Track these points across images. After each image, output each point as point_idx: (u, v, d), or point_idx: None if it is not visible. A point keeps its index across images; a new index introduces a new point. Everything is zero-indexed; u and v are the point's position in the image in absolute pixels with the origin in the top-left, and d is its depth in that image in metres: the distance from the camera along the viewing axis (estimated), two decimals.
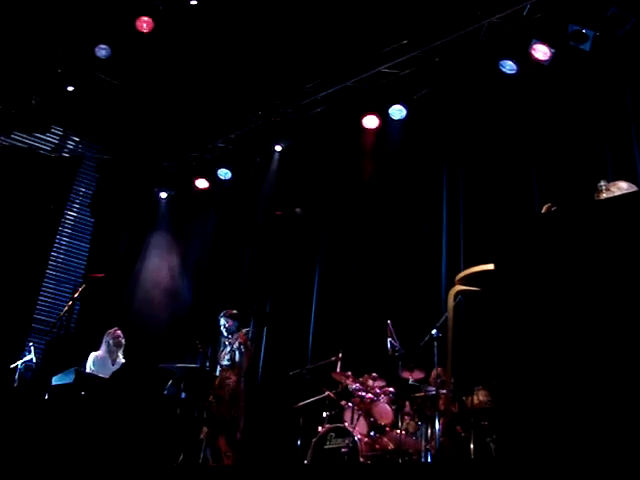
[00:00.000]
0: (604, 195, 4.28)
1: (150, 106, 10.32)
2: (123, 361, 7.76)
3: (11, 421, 5.64)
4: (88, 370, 7.40)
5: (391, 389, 7.16)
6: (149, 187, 11.65)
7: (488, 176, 8.17)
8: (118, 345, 7.73)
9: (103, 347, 7.73)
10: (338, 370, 7.46)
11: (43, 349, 9.86)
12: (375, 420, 6.95)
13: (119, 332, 7.79)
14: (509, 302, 2.61)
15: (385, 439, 6.75)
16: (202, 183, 11.09)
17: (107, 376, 7.06)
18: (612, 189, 4.66)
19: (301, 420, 7.38)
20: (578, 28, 7.30)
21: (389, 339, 7.04)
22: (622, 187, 4.69)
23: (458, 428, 6.28)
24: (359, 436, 6.63)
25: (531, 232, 2.67)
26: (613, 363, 2.23)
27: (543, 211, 4.77)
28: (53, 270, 11.03)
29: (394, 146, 9.29)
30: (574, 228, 2.50)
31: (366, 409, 7.06)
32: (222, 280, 10.62)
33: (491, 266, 4.48)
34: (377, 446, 6.70)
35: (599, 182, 4.17)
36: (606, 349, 2.25)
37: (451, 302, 4.74)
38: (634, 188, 4.69)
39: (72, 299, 7.50)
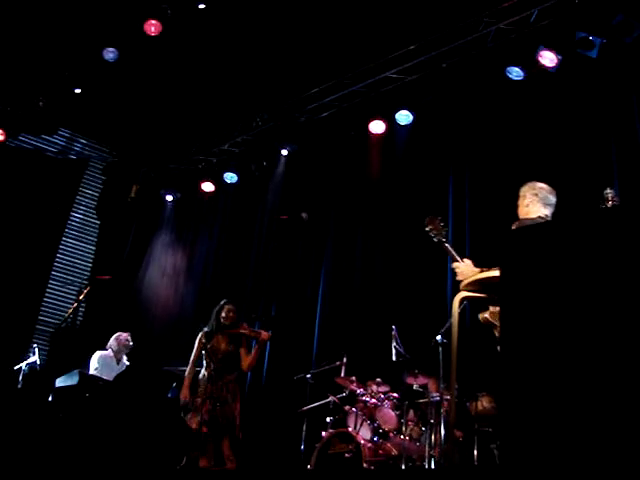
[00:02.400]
0: (611, 203, 4.28)
1: (157, 109, 10.35)
2: (127, 363, 7.79)
3: (15, 423, 5.64)
4: (92, 368, 7.43)
5: (395, 394, 7.16)
6: (155, 190, 11.67)
7: (494, 182, 8.16)
8: (126, 347, 7.78)
9: (110, 347, 7.77)
10: (342, 375, 7.45)
11: (47, 350, 9.89)
12: (379, 425, 6.94)
13: (128, 337, 7.85)
14: (514, 309, 2.61)
15: (389, 444, 6.74)
16: (208, 186, 11.10)
17: (111, 376, 7.08)
18: (530, 190, 4.84)
19: (305, 425, 7.38)
20: (585, 35, 7.29)
21: (394, 344, 7.03)
22: (538, 186, 4.85)
23: (458, 433, 6.26)
24: (363, 441, 6.62)
25: (538, 239, 2.67)
26: (619, 372, 2.23)
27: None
28: (58, 272, 11.07)
29: (400, 151, 9.29)
30: (581, 236, 2.50)
31: (370, 414, 7.05)
32: (227, 284, 10.62)
33: (497, 272, 4.47)
34: (380, 451, 6.69)
35: (605, 190, 4.19)
36: (613, 358, 2.25)
37: (456, 308, 4.73)
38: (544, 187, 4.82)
39: (77, 301, 7.53)
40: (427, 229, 5.00)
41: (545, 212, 4.76)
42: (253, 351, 7.09)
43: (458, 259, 4.77)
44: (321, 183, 10.05)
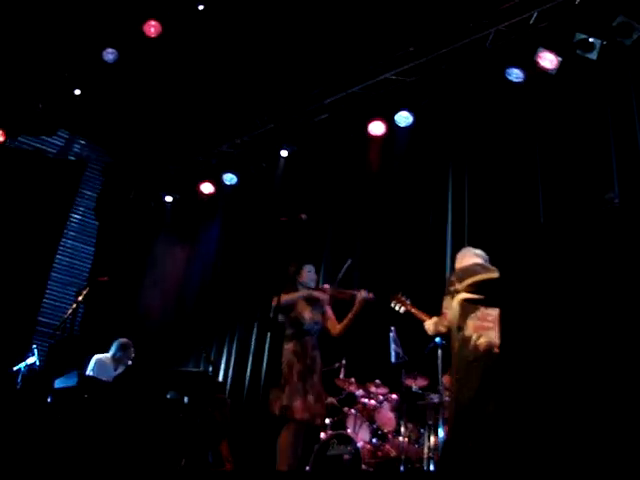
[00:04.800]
0: (611, 206, 4.30)
1: (156, 110, 10.35)
2: (129, 362, 7.78)
3: (14, 424, 5.63)
4: (88, 371, 7.43)
5: (394, 396, 7.15)
6: (154, 191, 11.67)
7: (494, 184, 8.16)
8: (127, 355, 7.80)
9: (111, 354, 7.77)
10: (341, 376, 7.45)
11: (46, 352, 9.87)
12: (378, 427, 6.94)
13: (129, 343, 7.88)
14: (514, 310, 2.61)
15: (388, 446, 6.74)
16: (207, 188, 11.09)
17: (108, 379, 7.08)
18: (470, 252, 5.39)
19: None
20: (585, 37, 7.30)
21: (393, 346, 7.03)
22: (479, 252, 5.38)
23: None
24: (362, 443, 6.62)
25: (536, 241, 2.67)
26: (620, 373, 2.22)
27: None
28: (57, 273, 11.05)
29: (400, 153, 9.29)
30: (580, 237, 2.49)
31: (369, 416, 7.05)
32: (227, 285, 10.61)
33: (495, 274, 4.52)
34: (379, 453, 6.68)
35: (607, 194, 4.25)
36: (612, 359, 2.24)
37: (456, 310, 4.76)
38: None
39: (76, 302, 7.50)
40: (392, 305, 5.83)
41: (482, 261, 5.26)
42: (349, 313, 6.00)
43: (426, 319, 5.44)
44: (320, 185, 10.05)
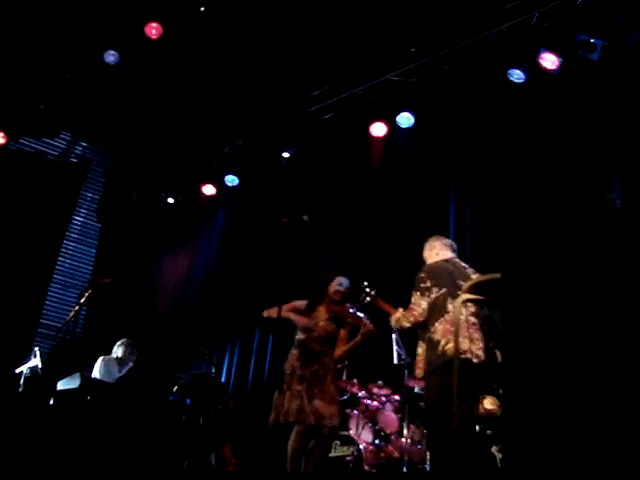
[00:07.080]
0: (612, 206, 4.31)
1: (158, 112, 10.35)
2: (131, 364, 7.80)
3: (16, 426, 5.63)
4: (94, 373, 7.45)
5: (396, 397, 7.16)
6: (156, 192, 11.67)
7: (496, 185, 8.16)
8: (131, 354, 7.81)
9: (115, 354, 7.79)
10: (344, 378, 7.45)
11: (49, 354, 9.88)
12: (380, 428, 6.95)
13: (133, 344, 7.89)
14: (515, 309, 2.62)
15: (390, 447, 6.75)
16: (209, 189, 11.10)
17: (112, 381, 7.09)
18: (439, 241, 5.38)
19: None
20: (586, 37, 7.29)
21: (395, 347, 7.03)
22: (449, 242, 5.39)
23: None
24: (364, 444, 6.62)
25: (538, 242, 2.68)
26: (623, 372, 2.22)
27: None
28: (60, 275, 11.06)
29: (402, 154, 9.29)
30: (583, 237, 2.50)
31: (371, 417, 7.05)
32: (229, 286, 10.61)
33: (498, 275, 4.51)
34: (382, 454, 6.69)
35: (608, 194, 4.25)
36: (617, 358, 2.25)
37: (459, 310, 4.75)
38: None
39: (78, 304, 7.51)
40: (360, 299, 5.60)
41: (452, 255, 5.25)
42: (352, 342, 6.02)
43: (393, 310, 5.27)
44: (322, 186, 10.05)
